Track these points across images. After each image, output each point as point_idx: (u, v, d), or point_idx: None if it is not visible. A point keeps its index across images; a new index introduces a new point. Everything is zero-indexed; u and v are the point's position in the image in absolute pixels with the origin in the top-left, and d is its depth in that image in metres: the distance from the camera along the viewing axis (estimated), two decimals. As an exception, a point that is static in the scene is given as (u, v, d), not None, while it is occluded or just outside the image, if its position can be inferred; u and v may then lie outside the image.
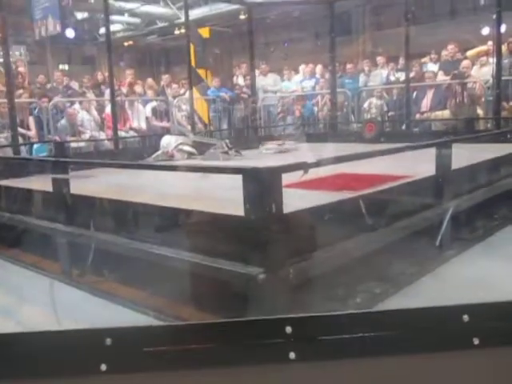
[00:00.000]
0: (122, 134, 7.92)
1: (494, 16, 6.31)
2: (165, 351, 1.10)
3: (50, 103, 8.14)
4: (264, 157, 5.99)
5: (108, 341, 1.09)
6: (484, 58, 8.10)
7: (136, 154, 6.13)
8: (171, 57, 22.07)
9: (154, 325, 1.26)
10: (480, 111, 7.97)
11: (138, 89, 9.66)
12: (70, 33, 14.30)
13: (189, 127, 8.35)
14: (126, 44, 20.15)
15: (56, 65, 17.13)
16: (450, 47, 8.69)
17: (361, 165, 2.87)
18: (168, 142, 5.92)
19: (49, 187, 3.09)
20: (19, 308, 2.61)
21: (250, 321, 1.20)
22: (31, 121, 7.96)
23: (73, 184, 3.04)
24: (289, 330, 1.10)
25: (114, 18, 15.64)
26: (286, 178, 2.02)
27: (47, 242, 3.18)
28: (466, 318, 1.12)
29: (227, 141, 5.91)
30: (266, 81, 10.46)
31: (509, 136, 5.81)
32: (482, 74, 7.99)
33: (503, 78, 6.62)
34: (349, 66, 9.85)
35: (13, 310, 2.59)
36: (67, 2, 13.34)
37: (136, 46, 21.07)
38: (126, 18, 17.75)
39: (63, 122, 8.20)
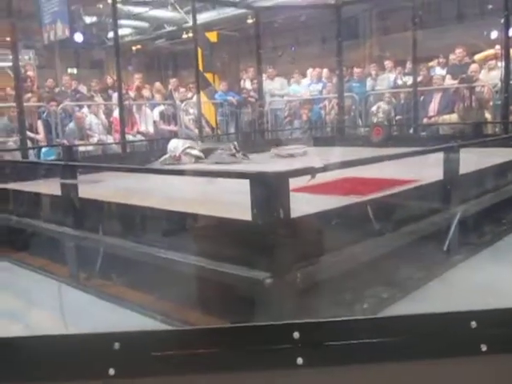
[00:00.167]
0: (129, 137, 7.95)
1: (502, 20, 6.30)
2: (173, 356, 1.11)
3: (59, 107, 8.19)
4: (271, 161, 5.99)
5: (116, 345, 1.09)
6: (492, 62, 8.07)
7: (143, 157, 6.14)
8: (179, 61, 22.13)
9: (161, 329, 1.27)
10: (488, 115, 7.93)
11: (146, 93, 9.71)
12: (78, 37, 14.39)
13: (196, 131, 8.38)
14: (134, 48, 20.24)
15: (64, 69, 17.19)
16: (458, 51, 8.66)
17: (368, 169, 2.87)
18: (175, 145, 5.93)
19: (57, 191, 3.11)
20: (27, 311, 2.63)
21: (257, 326, 1.20)
22: (40, 124, 8.02)
23: (81, 188, 3.05)
24: (296, 335, 1.10)
25: (122, 22, 15.67)
26: (294, 183, 2.02)
27: (56, 246, 3.19)
28: (473, 324, 1.11)
29: (235, 143, 5.92)
30: (273, 85, 10.47)
31: (517, 140, 5.77)
32: (490, 77, 7.96)
33: None
34: (356, 70, 9.84)
35: (21, 313, 2.60)
36: (76, 7, 13.42)
37: (144, 50, 21.15)
38: (134, 22, 17.83)
39: (71, 125, 8.24)
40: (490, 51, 8.35)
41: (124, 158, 6.23)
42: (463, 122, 7.71)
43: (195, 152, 5.88)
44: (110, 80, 10.09)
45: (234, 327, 1.17)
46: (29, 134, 6.91)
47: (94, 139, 8.41)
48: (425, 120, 8.25)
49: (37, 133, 7.89)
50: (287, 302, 1.97)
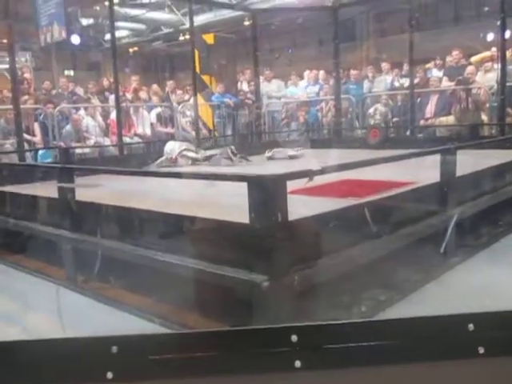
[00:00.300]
0: (126, 139, 7.95)
1: (499, 22, 6.32)
2: (170, 359, 1.11)
3: (56, 109, 8.18)
4: (269, 163, 5.99)
5: (114, 349, 1.09)
6: (489, 64, 8.09)
7: (140, 160, 6.14)
8: (176, 63, 22.14)
9: (159, 333, 1.27)
10: (484, 117, 7.96)
11: (143, 95, 9.71)
12: (75, 39, 14.41)
13: (193, 133, 8.37)
14: (131, 50, 20.24)
15: (61, 71, 17.21)
16: (455, 53, 8.68)
17: (365, 171, 2.87)
18: (172, 148, 5.93)
19: (54, 194, 3.10)
20: (24, 315, 2.62)
21: (255, 329, 1.20)
22: (36, 127, 8.01)
23: (78, 191, 3.05)
24: (294, 338, 1.10)
25: (119, 24, 15.69)
26: (291, 185, 2.02)
27: (52, 248, 3.19)
28: (471, 326, 1.12)
29: (232, 147, 5.92)
30: (270, 87, 10.48)
31: (513, 142, 5.79)
32: (486, 79, 7.98)
33: (508, 84, 6.61)
34: (353, 72, 9.86)
35: (17, 316, 2.60)
36: (73, 9, 13.43)
37: (141, 52, 21.16)
38: (131, 24, 17.84)
39: (68, 127, 8.23)
40: (487, 53, 8.37)
41: (121, 161, 6.23)
42: (460, 123, 7.73)
43: (191, 154, 5.88)
44: (106, 82, 10.09)
45: (231, 330, 1.17)
46: (25, 136, 6.90)
47: (91, 141, 8.40)
48: (422, 122, 8.27)
49: (34, 135, 7.88)
50: (285, 305, 1.97)
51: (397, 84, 9.30)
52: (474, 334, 1.11)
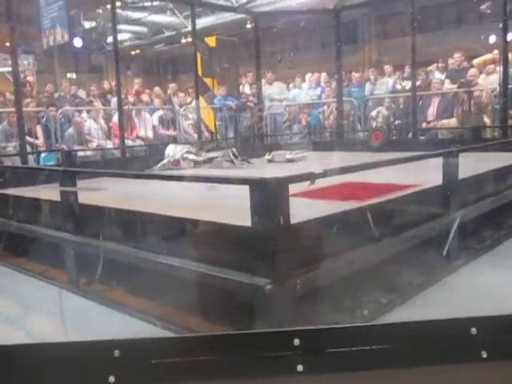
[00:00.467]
0: (128, 142, 7.95)
1: (501, 25, 6.32)
2: (173, 363, 1.10)
3: (58, 112, 8.19)
4: (271, 166, 5.99)
5: (116, 352, 1.09)
6: (491, 66, 8.08)
7: (143, 162, 6.14)
8: (178, 65, 22.20)
9: (161, 336, 1.27)
10: (487, 120, 7.94)
11: (145, 97, 9.71)
12: (77, 42, 14.43)
13: (195, 136, 8.38)
14: (133, 53, 20.30)
15: (64, 74, 17.23)
16: (457, 55, 8.66)
17: (367, 173, 2.87)
18: (173, 150, 5.94)
19: (57, 197, 3.10)
20: (26, 317, 2.62)
21: (258, 333, 1.20)
22: (39, 129, 8.01)
23: (81, 194, 3.05)
24: (297, 342, 1.10)
25: (121, 27, 15.75)
26: (293, 188, 2.02)
27: (55, 251, 3.19)
28: (474, 330, 1.11)
29: (234, 149, 5.92)
30: (272, 89, 10.48)
31: (516, 145, 5.78)
32: (488, 82, 7.97)
33: (510, 87, 6.60)
34: (355, 74, 9.86)
35: (20, 318, 2.60)
36: (75, 12, 13.45)
37: (143, 55, 21.22)
38: (133, 27, 17.88)
39: (70, 130, 8.24)
40: (489, 56, 8.37)
41: (123, 163, 6.23)
42: (462, 126, 7.72)
43: (193, 157, 5.88)
44: (108, 85, 10.10)
45: (234, 334, 1.17)
46: (28, 139, 6.91)
47: (93, 144, 8.41)
48: (424, 124, 8.26)
49: (36, 138, 7.89)
50: (287, 308, 1.97)
51: (399, 86, 9.29)
52: (477, 338, 1.11)
